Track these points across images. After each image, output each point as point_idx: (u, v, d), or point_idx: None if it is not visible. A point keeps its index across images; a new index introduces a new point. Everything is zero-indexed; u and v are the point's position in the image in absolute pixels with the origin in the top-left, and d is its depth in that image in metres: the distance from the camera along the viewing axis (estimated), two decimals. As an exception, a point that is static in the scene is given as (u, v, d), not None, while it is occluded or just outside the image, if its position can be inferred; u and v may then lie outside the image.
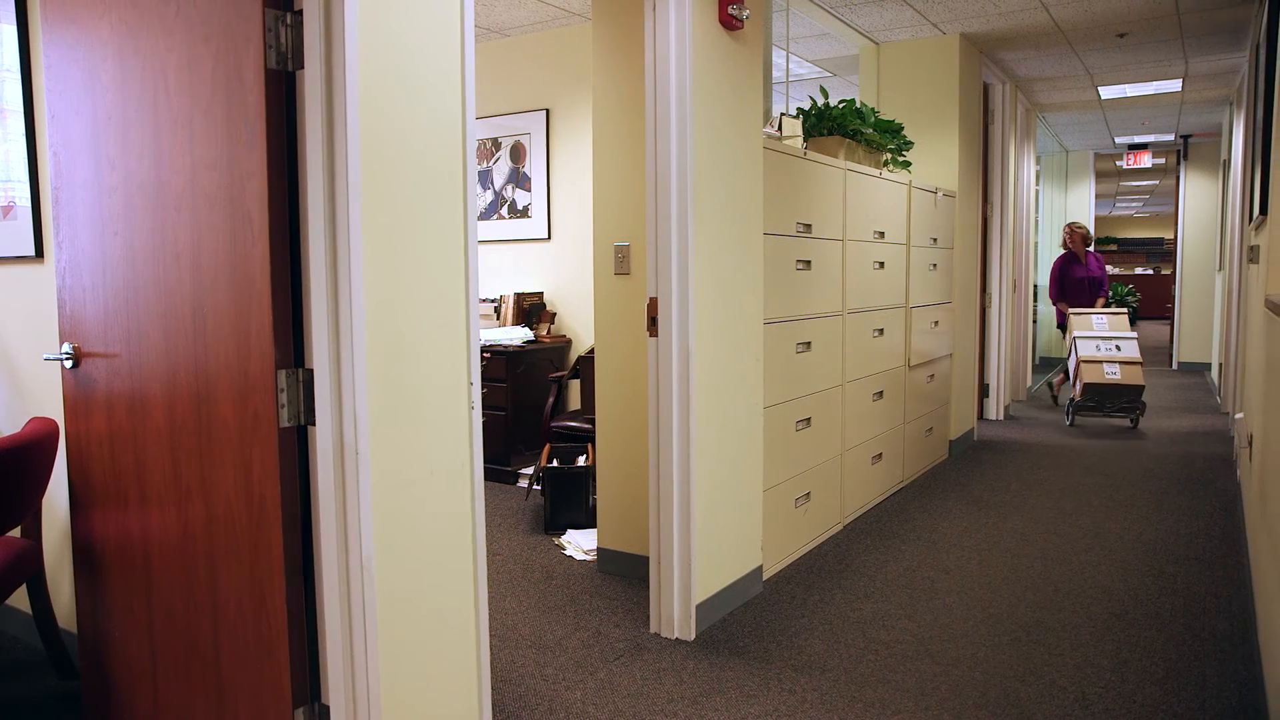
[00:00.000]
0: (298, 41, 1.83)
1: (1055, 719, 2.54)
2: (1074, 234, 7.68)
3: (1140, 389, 6.73)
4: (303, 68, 1.83)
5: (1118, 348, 6.81)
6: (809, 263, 3.92)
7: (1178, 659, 2.90)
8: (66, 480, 2.43)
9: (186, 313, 2.00)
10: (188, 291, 2.00)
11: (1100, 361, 6.82)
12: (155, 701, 2.22)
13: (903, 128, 4.92)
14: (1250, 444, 3.77)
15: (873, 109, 4.71)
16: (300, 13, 1.83)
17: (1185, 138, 10.30)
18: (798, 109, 4.41)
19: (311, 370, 1.88)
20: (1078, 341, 6.95)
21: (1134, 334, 6.89)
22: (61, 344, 2.31)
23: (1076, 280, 7.70)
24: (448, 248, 2.07)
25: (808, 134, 4.23)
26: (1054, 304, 7.75)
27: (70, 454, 2.36)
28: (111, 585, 2.30)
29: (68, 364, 2.30)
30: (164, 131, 2.00)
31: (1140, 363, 6.76)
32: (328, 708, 1.94)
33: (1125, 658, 2.91)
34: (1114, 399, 6.78)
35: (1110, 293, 8.39)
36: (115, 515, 2.26)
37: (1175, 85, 7.57)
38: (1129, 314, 7.93)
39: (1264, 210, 3.35)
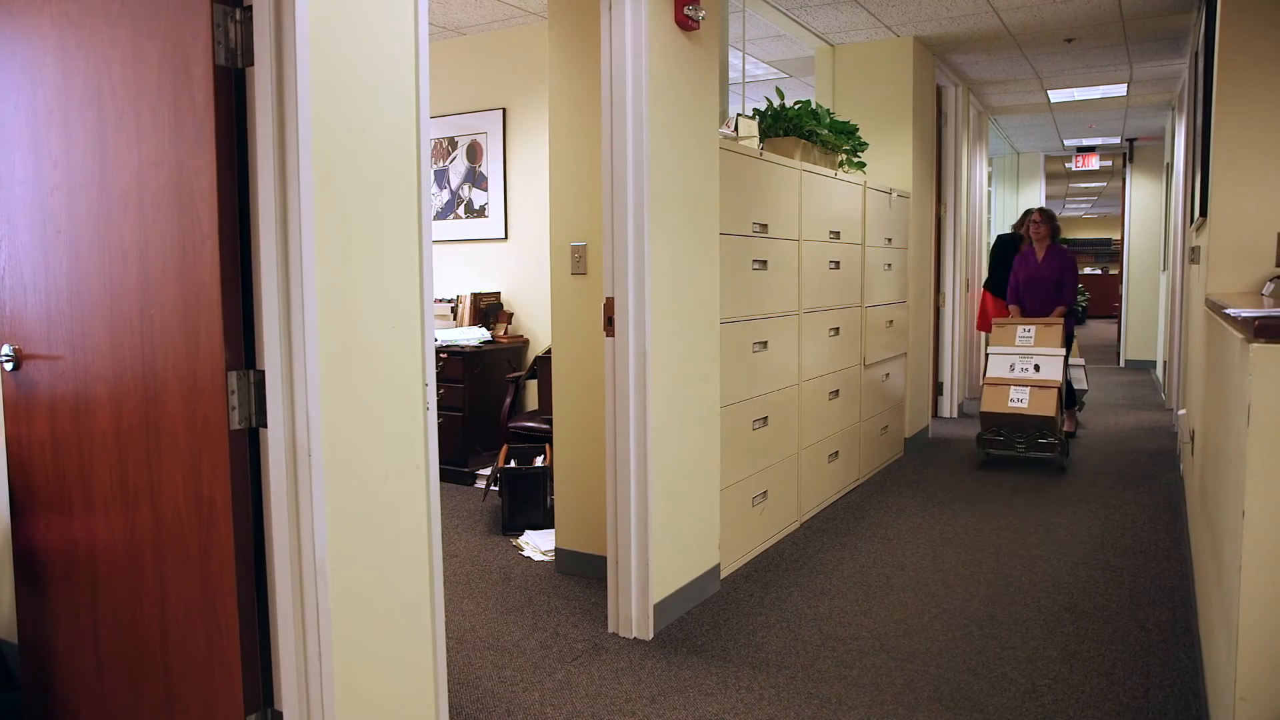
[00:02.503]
0: (247, 38, 1.80)
1: (1006, 710, 2.59)
2: (1037, 225, 6.21)
3: (1050, 421, 5.34)
4: (253, 65, 1.80)
5: (1036, 368, 5.55)
6: (765, 262, 3.95)
7: (1123, 650, 2.97)
8: (6, 486, 2.37)
9: (134, 314, 1.96)
10: (135, 292, 1.95)
11: (1007, 384, 5.53)
12: (101, 712, 2.16)
13: (858, 129, 4.98)
14: (1192, 439, 3.88)
15: (828, 110, 4.76)
16: (250, 9, 1.80)
17: (1131, 141, 10.56)
18: (754, 110, 4.44)
19: (263, 371, 1.85)
20: (990, 358, 5.75)
21: (1060, 352, 5.55)
22: (1, 346, 2.24)
23: (1024, 281, 6.29)
24: (402, 247, 2.05)
25: (764, 135, 4.26)
26: (1006, 305, 6.43)
27: (11, 459, 2.30)
28: (55, 593, 2.24)
29: (8, 366, 2.24)
30: (109, 129, 1.96)
31: (1057, 386, 5.40)
32: (280, 714, 1.91)
33: (1074, 649, 2.98)
34: (1019, 432, 5.48)
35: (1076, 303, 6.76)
36: (59, 521, 2.20)
37: (1121, 90, 7.76)
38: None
39: (1204, 212, 3.45)
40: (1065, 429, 6.85)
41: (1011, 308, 6.33)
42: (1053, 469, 5.53)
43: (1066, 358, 5.63)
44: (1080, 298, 15.99)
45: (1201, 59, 4.27)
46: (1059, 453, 5.43)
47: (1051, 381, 5.46)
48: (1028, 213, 6.51)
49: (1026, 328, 5.73)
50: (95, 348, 2.05)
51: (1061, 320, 5.70)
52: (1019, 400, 5.45)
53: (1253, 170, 3.09)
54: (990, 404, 5.53)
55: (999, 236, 7.50)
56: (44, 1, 2.06)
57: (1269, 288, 2.94)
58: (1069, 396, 6.49)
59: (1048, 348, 5.61)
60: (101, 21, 1.95)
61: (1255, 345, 1.73)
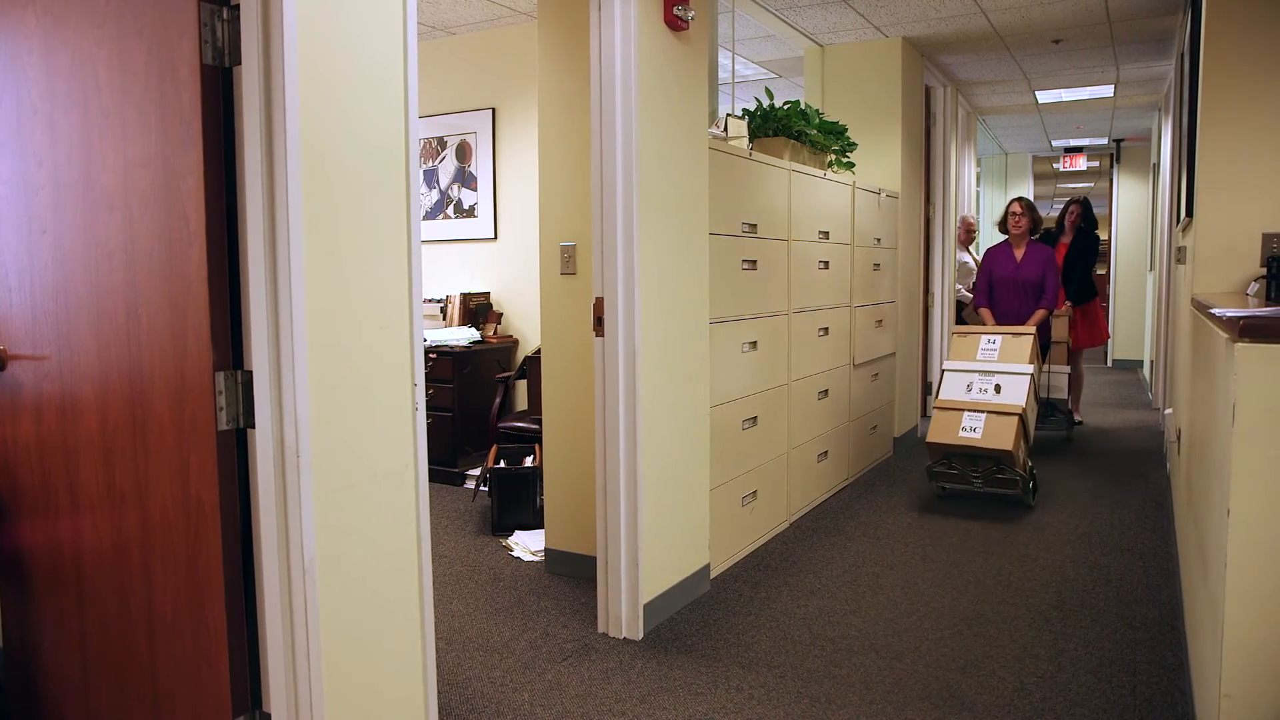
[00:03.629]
0: (234, 37, 1.79)
1: (994, 708, 2.60)
2: (1017, 217, 5.59)
3: (1007, 455, 4.43)
4: (240, 64, 1.79)
5: (997, 389, 4.60)
6: (755, 262, 3.96)
7: (1111, 647, 2.99)
8: (-7, 487, 2.35)
9: (120, 314, 1.95)
10: (121, 292, 1.94)
11: (960, 410, 4.62)
12: (88, 714, 2.15)
13: (847, 129, 4.99)
14: (1179, 438, 3.91)
15: (817, 110, 4.77)
16: (237, 8, 1.79)
17: (1118, 142, 10.62)
18: (743, 110, 4.44)
19: (251, 372, 1.84)
20: (945, 375, 4.86)
21: (1029, 369, 4.65)
22: (-14, 346, 2.23)
23: (1000, 281, 5.58)
24: (390, 247, 2.05)
25: (753, 135, 4.27)
26: (975, 309, 5.85)
27: (-4, 460, 2.28)
28: (40, 596, 2.23)
29: (-7, 367, 2.22)
30: (94, 128, 1.95)
31: (1018, 414, 4.48)
32: (269, 715, 1.90)
33: (1062, 647, 3.00)
34: (973, 466, 4.58)
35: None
36: (44, 523, 2.19)
37: (1107, 91, 7.80)
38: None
39: (1190, 213, 3.47)
40: (1073, 417, 6.74)
41: (982, 312, 5.60)
42: (1045, 466, 5.40)
43: (1036, 375, 4.80)
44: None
45: (1187, 61, 4.29)
46: (1021, 489, 4.53)
47: (1011, 407, 4.52)
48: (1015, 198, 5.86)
49: (991, 338, 4.82)
50: (81, 348, 2.04)
51: (1034, 331, 4.89)
52: (971, 430, 4.51)
53: (1237, 172, 3.12)
54: (938, 433, 4.61)
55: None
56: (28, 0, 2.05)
57: (1253, 287, 2.96)
58: (1047, 410, 6.14)
59: (1013, 364, 4.69)
60: (87, 20, 1.94)
61: (1240, 345, 1.74)
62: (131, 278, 1.92)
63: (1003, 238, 5.82)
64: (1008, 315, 5.48)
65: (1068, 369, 6.45)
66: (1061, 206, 6.73)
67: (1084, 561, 3.83)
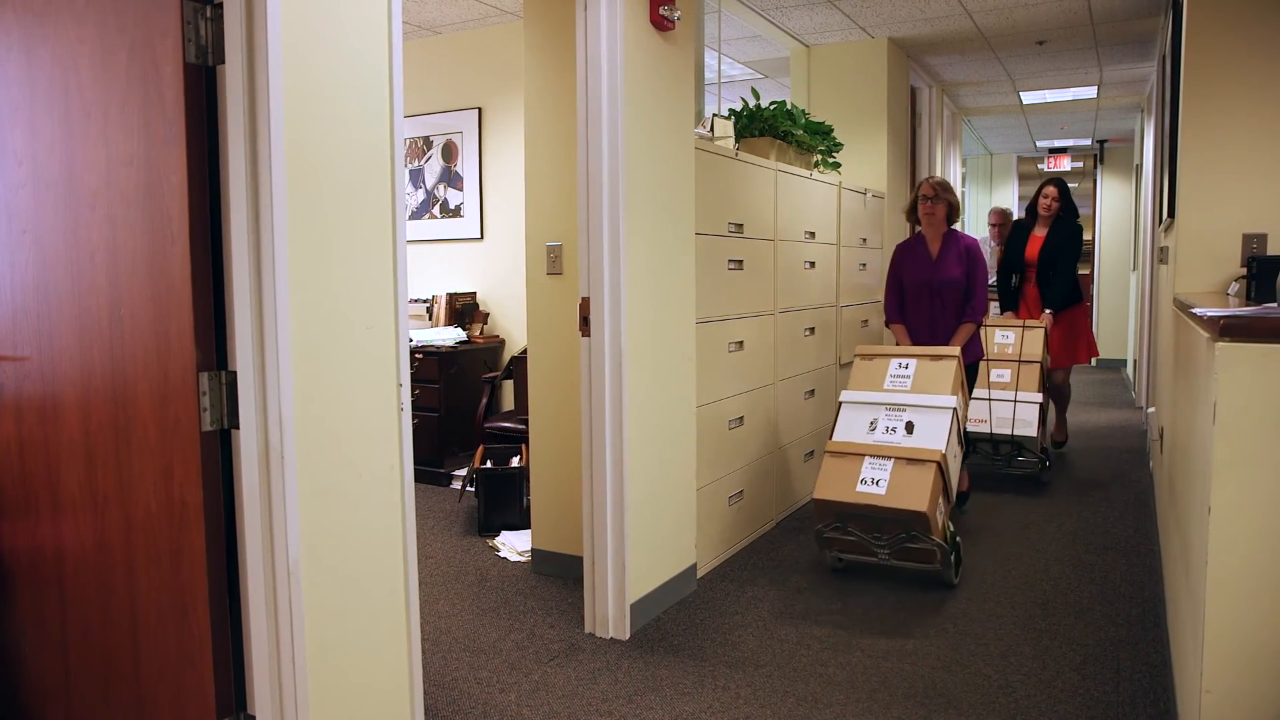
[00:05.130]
0: (218, 35, 1.78)
1: (980, 706, 2.62)
2: (929, 202, 4.17)
3: (921, 520, 3.33)
4: (224, 62, 1.78)
5: (909, 428, 3.55)
6: (741, 262, 3.96)
7: (1095, 645, 3.01)
8: (-27, 489, 2.33)
9: (103, 314, 1.93)
10: (104, 292, 1.93)
11: (858, 455, 3.52)
12: (69, 719, 2.13)
13: (833, 129, 5.01)
14: (1161, 437, 3.94)
15: (803, 111, 4.78)
16: (220, 6, 1.78)
17: (1101, 143, 10.69)
18: (729, 110, 4.45)
19: (235, 372, 1.83)
20: (842, 410, 3.74)
21: (951, 401, 3.58)
22: (-34, 347, 2.21)
23: (912, 286, 4.24)
24: (376, 246, 2.04)
25: (739, 135, 4.28)
26: (887, 325, 4.48)
27: (-23, 462, 2.26)
28: (21, 599, 2.21)
29: (-27, 368, 2.20)
30: (76, 126, 1.93)
31: (936, 462, 3.39)
32: (254, 718, 1.89)
33: (1046, 645, 3.01)
34: (875, 532, 3.46)
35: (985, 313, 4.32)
36: (25, 525, 2.17)
37: (1091, 92, 7.86)
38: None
39: (1172, 213, 3.50)
40: (1054, 438, 5.78)
41: (894, 329, 4.32)
42: (1027, 486, 5.14)
43: (961, 411, 3.71)
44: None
45: (1168, 63, 4.33)
46: (939, 562, 3.43)
47: (926, 453, 3.40)
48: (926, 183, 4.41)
49: (903, 362, 3.76)
50: (63, 349, 2.02)
51: (958, 352, 3.75)
52: (873, 483, 3.40)
53: (1219, 173, 3.15)
54: (830, 487, 3.46)
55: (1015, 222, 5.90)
56: (9, -3, 2.03)
57: (1234, 287, 2.99)
58: (1013, 450, 4.98)
59: (930, 395, 3.60)
60: (68, 17, 1.92)
61: (1220, 344, 1.76)
62: (114, 277, 1.90)
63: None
64: (922, 331, 4.20)
65: (1038, 399, 4.91)
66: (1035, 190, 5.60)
67: (1068, 559, 3.85)
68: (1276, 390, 1.73)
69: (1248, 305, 2.42)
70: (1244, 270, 3.06)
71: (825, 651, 2.98)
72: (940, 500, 3.44)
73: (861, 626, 3.17)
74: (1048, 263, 5.41)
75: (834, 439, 3.64)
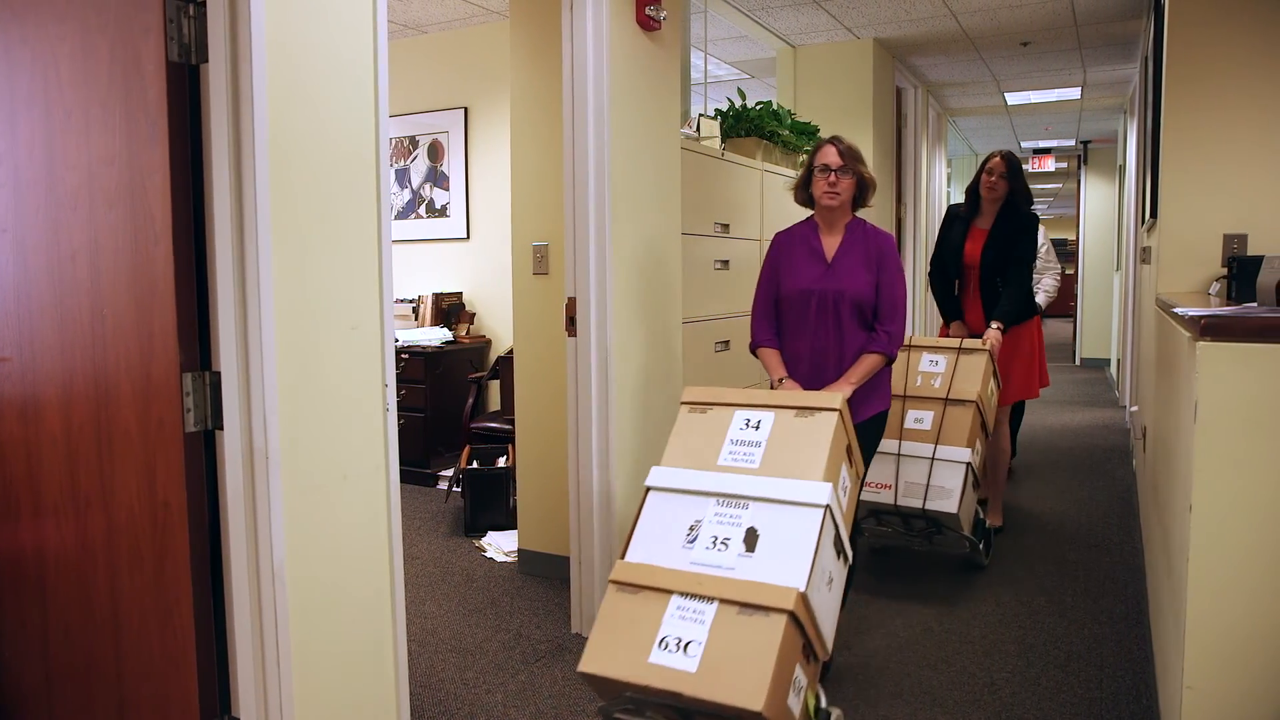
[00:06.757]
0: (201, 33, 1.77)
1: (965, 704, 2.63)
2: (830, 176, 2.77)
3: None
4: (207, 61, 1.77)
5: (749, 539, 2.11)
6: (727, 262, 3.97)
7: (1079, 642, 3.03)
8: (-47, 491, 2.30)
9: (84, 315, 1.92)
10: (85, 292, 1.91)
11: (663, 594, 2.10)
12: (52, 721, 2.12)
13: (819, 130, 5.02)
14: (1144, 436, 3.97)
15: (789, 111, 4.79)
16: (204, 4, 1.77)
17: (1085, 143, 10.77)
18: (715, 110, 4.46)
19: (219, 373, 1.82)
20: (648, 501, 2.33)
21: (824, 492, 2.11)
22: (-54, 348, 2.18)
23: (790, 297, 2.86)
24: (361, 246, 2.03)
25: (725, 135, 4.28)
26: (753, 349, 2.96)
27: (-43, 463, 2.23)
28: (1, 602, 2.19)
29: (-47, 369, 2.18)
30: (56, 125, 1.91)
31: (789, 611, 1.94)
32: (238, 720, 1.88)
33: (1030, 643, 3.03)
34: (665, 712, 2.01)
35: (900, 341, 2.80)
36: (5, 528, 2.15)
37: (1074, 93, 7.91)
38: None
39: (1154, 214, 3.53)
40: (989, 523, 3.89)
41: (763, 355, 2.89)
42: (1013, 464, 5.11)
43: (843, 500, 2.27)
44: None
45: (1151, 65, 4.36)
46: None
47: (772, 595, 2.00)
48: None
49: (753, 417, 2.36)
50: (44, 349, 2.00)
51: (841, 401, 2.32)
52: (679, 649, 2.01)
53: (1200, 174, 3.17)
54: (604, 655, 2.09)
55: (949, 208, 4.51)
56: (-11, -6, 2.01)
57: (1215, 287, 3.02)
58: (930, 527, 3.46)
59: (792, 479, 2.18)
60: (48, 14, 1.91)
61: (1201, 343, 1.77)
62: (96, 277, 1.89)
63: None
64: (803, 363, 2.83)
65: (965, 456, 3.39)
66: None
67: (1052, 557, 3.88)
68: (1256, 389, 1.74)
69: (1228, 305, 2.45)
70: (1225, 270, 3.09)
71: (811, 650, 2.99)
72: (798, 674, 2.02)
73: (847, 626, 3.18)
74: (993, 264, 3.98)
75: (627, 556, 2.19)
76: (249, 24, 1.73)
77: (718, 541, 2.15)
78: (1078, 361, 11.02)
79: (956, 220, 4.20)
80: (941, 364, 3.63)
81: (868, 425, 2.80)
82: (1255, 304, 2.47)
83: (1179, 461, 2.08)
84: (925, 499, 3.38)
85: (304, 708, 1.92)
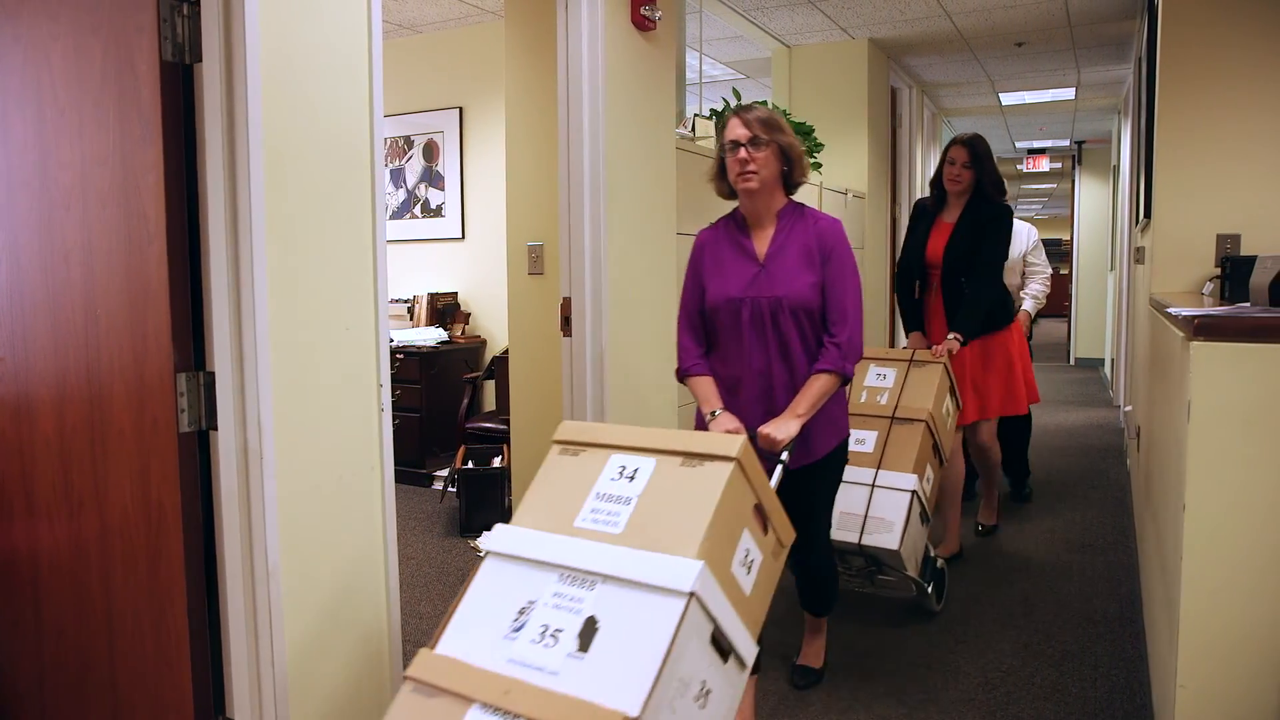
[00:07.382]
0: (195, 33, 1.77)
1: (960, 703, 2.63)
2: (740, 147, 2.36)
3: None
4: (200, 61, 1.77)
5: (585, 635, 1.48)
6: (723, 263, 3.96)
7: (1073, 641, 3.04)
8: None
9: (78, 315, 1.91)
10: (79, 292, 1.91)
11: (460, 698, 1.48)
12: (46, 722, 2.11)
13: (814, 130, 5.02)
14: (1138, 435, 3.98)
15: (784, 111, 4.79)
16: (197, 3, 1.76)
17: (1079, 144, 10.79)
18: (711, 110, 4.46)
19: (213, 373, 1.82)
20: (483, 567, 1.71)
21: (690, 574, 1.48)
22: (-61, 348, 2.18)
23: (717, 305, 2.39)
24: (355, 246, 2.03)
25: (721, 135, 4.28)
26: (680, 375, 2.50)
27: (-51, 464, 2.23)
28: (-4, 602, 2.18)
29: (-54, 369, 2.17)
30: (50, 125, 1.91)
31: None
32: (232, 721, 1.88)
33: (1026, 642, 3.04)
34: None
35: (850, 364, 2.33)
36: None
37: (1069, 93, 7.93)
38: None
39: (1148, 214, 3.54)
40: (980, 521, 4.07)
41: (692, 384, 2.45)
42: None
43: (734, 585, 1.65)
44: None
45: (1144, 65, 4.38)
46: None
47: (598, 717, 1.36)
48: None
49: (629, 462, 1.75)
50: (37, 350, 2.00)
51: (740, 448, 1.67)
52: None
53: (1193, 174, 3.18)
54: None
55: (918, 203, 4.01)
56: (-18, -6, 2.00)
57: (1209, 287, 3.02)
58: (871, 565, 3.03)
59: (653, 552, 1.56)
60: (41, 14, 1.90)
61: (1195, 343, 1.78)
62: (90, 277, 1.88)
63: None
64: (742, 389, 2.39)
65: (910, 483, 2.96)
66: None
67: (1046, 557, 3.89)
68: (1250, 389, 1.75)
69: (1222, 305, 2.46)
70: (1218, 270, 3.09)
71: (807, 650, 2.99)
72: None
73: (843, 626, 3.18)
74: (957, 263, 3.56)
75: (439, 643, 1.62)
76: (243, 24, 1.73)
77: (547, 632, 1.53)
78: (1072, 361, 11.04)
79: (924, 215, 3.75)
80: (890, 378, 3.24)
81: (826, 464, 2.35)
82: (1249, 304, 2.47)
83: (1173, 461, 2.08)
84: (862, 533, 2.89)
85: (298, 708, 1.92)
